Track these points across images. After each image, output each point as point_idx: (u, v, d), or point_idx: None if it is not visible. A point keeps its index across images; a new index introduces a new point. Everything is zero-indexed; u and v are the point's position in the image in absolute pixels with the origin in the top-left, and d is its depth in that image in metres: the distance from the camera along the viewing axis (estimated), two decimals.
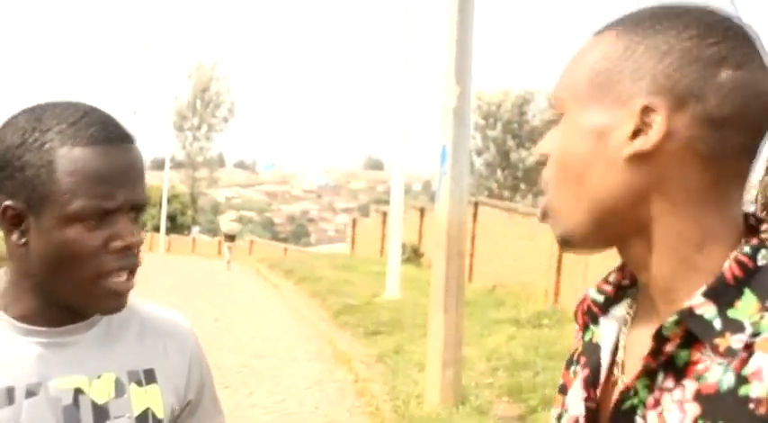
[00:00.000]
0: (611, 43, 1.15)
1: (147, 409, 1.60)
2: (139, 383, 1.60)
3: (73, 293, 1.49)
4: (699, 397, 1.08)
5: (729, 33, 1.12)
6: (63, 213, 1.44)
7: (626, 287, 1.28)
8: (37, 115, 1.47)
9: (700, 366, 1.10)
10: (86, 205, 1.44)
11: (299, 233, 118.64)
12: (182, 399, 1.67)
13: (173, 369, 1.66)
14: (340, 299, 16.47)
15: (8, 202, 1.46)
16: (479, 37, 9.02)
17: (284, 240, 75.93)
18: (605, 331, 1.27)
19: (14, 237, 1.48)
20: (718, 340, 1.08)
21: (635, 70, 1.12)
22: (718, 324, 1.09)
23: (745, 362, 1.06)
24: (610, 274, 1.29)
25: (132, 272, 1.51)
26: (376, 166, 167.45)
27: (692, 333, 1.09)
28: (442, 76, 8.49)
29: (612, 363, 1.24)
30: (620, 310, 1.28)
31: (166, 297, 17.24)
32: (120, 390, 1.57)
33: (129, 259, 1.50)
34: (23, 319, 1.52)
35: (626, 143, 1.11)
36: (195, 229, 59.56)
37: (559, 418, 1.31)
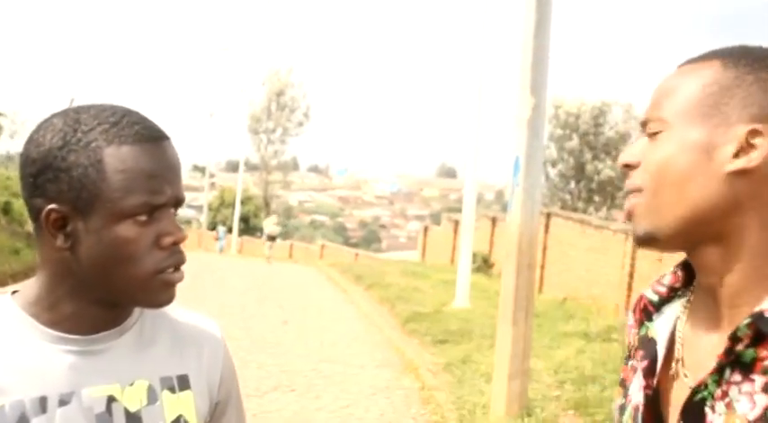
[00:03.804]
0: (720, 72, 1.31)
1: (180, 416, 1.59)
2: (172, 390, 1.60)
3: (125, 289, 1.49)
4: (767, 389, 1.23)
5: None
6: (115, 211, 1.44)
7: (677, 289, 1.46)
8: (74, 117, 1.47)
9: (767, 362, 1.24)
10: (139, 201, 1.44)
11: (370, 239, 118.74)
12: (213, 405, 1.68)
13: (206, 375, 1.66)
14: (409, 306, 16.45)
15: (52, 206, 1.44)
16: (556, 48, 8.96)
17: (355, 246, 76.02)
18: (659, 327, 1.43)
19: (59, 241, 1.46)
20: None
21: (744, 98, 1.28)
22: None
23: None
24: (664, 276, 1.48)
25: (179, 266, 1.53)
26: (449, 173, 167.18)
27: (760, 334, 1.24)
28: (516, 87, 8.46)
29: (667, 356, 1.40)
30: (674, 309, 1.44)
31: (237, 299, 17.42)
32: (152, 397, 1.57)
33: (177, 255, 1.51)
34: (56, 326, 1.51)
35: (729, 160, 1.27)
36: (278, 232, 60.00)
37: (622, 408, 1.48)
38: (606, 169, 49.58)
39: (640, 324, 1.50)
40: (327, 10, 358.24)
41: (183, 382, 1.62)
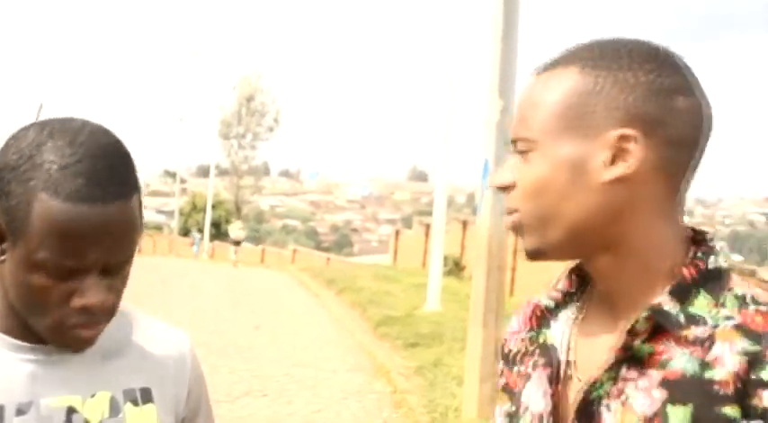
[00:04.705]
0: (578, 79, 1.28)
1: None
2: (135, 402, 1.55)
3: (36, 327, 1.45)
4: (665, 383, 1.23)
5: (678, 65, 1.29)
6: (30, 258, 1.38)
7: (572, 293, 1.45)
8: (41, 140, 1.39)
9: (663, 356, 1.25)
10: (49, 259, 1.37)
11: (342, 243, 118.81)
12: (179, 420, 1.64)
13: (171, 387, 1.62)
14: (380, 310, 16.46)
15: None
16: (526, 51, 9.00)
17: (327, 250, 76.00)
18: (557, 333, 1.42)
19: None
20: (684, 332, 1.24)
21: (608, 103, 1.25)
22: (682, 319, 1.25)
23: (707, 350, 1.22)
24: (558, 281, 1.48)
25: (96, 324, 1.46)
26: (421, 177, 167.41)
27: (657, 327, 1.25)
28: (485, 91, 8.49)
29: (566, 361, 1.39)
30: (569, 314, 1.43)
31: (209, 304, 17.36)
32: (114, 409, 1.53)
33: (91, 317, 1.43)
34: (13, 334, 1.48)
35: (604, 169, 1.25)
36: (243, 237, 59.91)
37: (511, 415, 1.46)
38: None
39: (536, 331, 1.47)
40: (298, 14, 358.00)
41: (146, 396, 1.58)
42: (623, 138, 1.24)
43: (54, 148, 1.38)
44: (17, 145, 1.40)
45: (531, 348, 1.47)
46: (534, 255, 1.34)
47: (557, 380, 1.38)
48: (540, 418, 1.38)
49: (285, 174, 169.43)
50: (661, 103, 1.25)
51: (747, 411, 1.18)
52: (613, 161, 1.25)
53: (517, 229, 1.34)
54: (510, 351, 1.52)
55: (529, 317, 1.50)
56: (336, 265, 35.45)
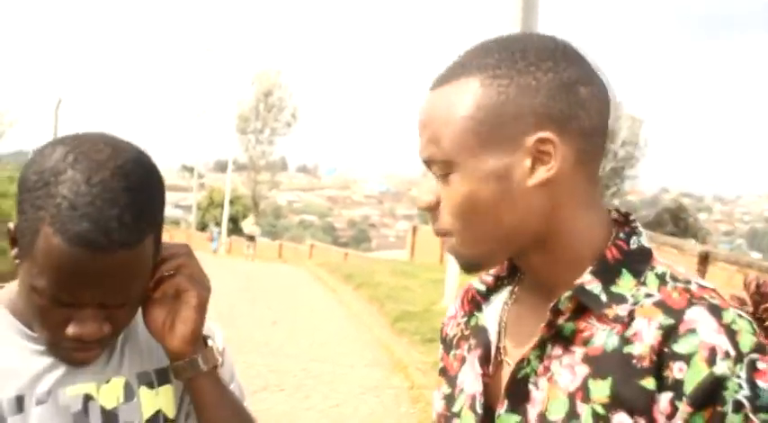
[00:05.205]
0: (482, 93, 1.27)
1: (158, 411, 1.58)
2: (151, 385, 1.58)
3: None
4: (587, 359, 1.27)
5: (573, 56, 1.29)
6: (31, 281, 1.40)
7: (504, 278, 1.48)
8: (62, 167, 1.37)
9: (586, 334, 1.29)
10: (47, 290, 1.39)
11: (359, 238, 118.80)
12: None
13: None
14: (398, 305, 16.44)
15: (10, 225, 1.45)
16: None
17: (345, 245, 76.03)
18: (489, 316, 1.46)
19: (12, 255, 1.46)
20: (606, 310, 1.29)
21: (516, 111, 1.25)
22: (604, 297, 1.29)
23: (627, 326, 1.27)
24: None
25: (90, 350, 1.48)
26: None
27: (580, 306, 1.29)
28: None
29: (497, 344, 1.43)
30: (501, 297, 1.48)
31: (225, 299, 17.38)
32: (129, 394, 1.56)
33: (85, 344, 1.46)
34: (32, 326, 1.50)
35: (528, 176, 1.26)
36: (258, 232, 60.09)
37: (448, 397, 1.49)
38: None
39: (470, 314, 1.53)
40: (315, 10, 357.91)
41: (163, 377, 1.61)
42: (540, 141, 1.25)
43: (71, 181, 1.36)
44: (41, 163, 1.40)
45: (466, 332, 1.52)
46: (470, 268, 1.37)
47: (488, 361, 1.42)
48: (473, 398, 1.42)
49: (302, 169, 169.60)
50: (566, 98, 1.26)
51: (661, 383, 1.21)
52: (534, 166, 1.26)
53: (451, 252, 1.36)
54: (447, 335, 1.58)
55: (463, 301, 1.55)
56: (354, 260, 35.43)
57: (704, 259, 12.34)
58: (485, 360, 1.43)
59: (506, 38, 1.32)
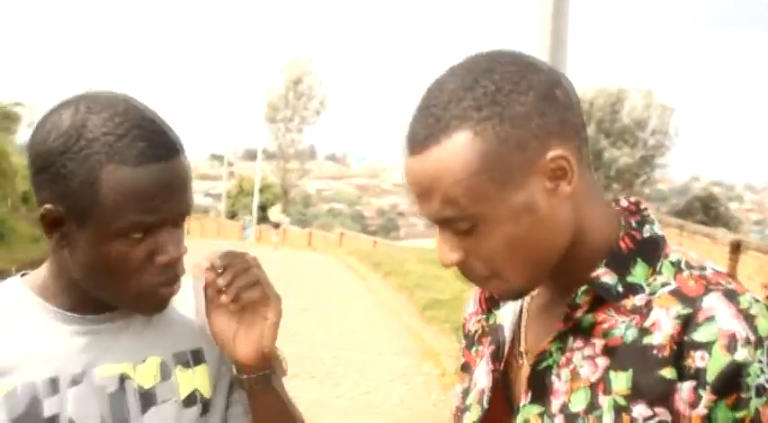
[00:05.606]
0: (479, 144, 1.24)
1: (195, 390, 1.59)
2: (186, 365, 1.59)
3: (115, 299, 1.50)
4: (607, 350, 1.29)
5: (532, 63, 1.29)
6: (107, 229, 1.42)
7: None
8: (81, 118, 1.41)
9: (605, 325, 1.31)
10: (131, 221, 1.41)
11: (388, 227, 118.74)
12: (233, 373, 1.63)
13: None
14: (427, 293, 16.47)
15: (49, 206, 1.43)
16: (573, 33, 8.92)
17: (374, 233, 76.01)
18: (506, 314, 1.49)
19: (54, 240, 1.47)
20: (623, 301, 1.30)
21: (519, 142, 1.24)
22: (620, 288, 1.31)
23: (645, 317, 1.28)
24: None
25: (173, 282, 1.50)
26: None
27: (597, 298, 1.30)
28: None
29: (514, 340, 1.45)
30: None
31: None
32: (165, 373, 1.56)
33: (172, 272, 1.49)
34: (65, 307, 1.52)
35: (551, 195, 1.27)
36: (286, 220, 60.22)
37: (466, 391, 1.53)
38: (624, 157, 49.18)
39: (488, 312, 1.55)
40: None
41: (198, 357, 1.61)
42: (551, 160, 1.26)
43: (101, 121, 1.41)
44: (56, 129, 1.41)
45: (486, 329, 1.54)
46: (522, 294, 1.38)
47: (500, 358, 1.45)
48: (482, 393, 1.45)
49: (331, 158, 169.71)
50: (553, 107, 1.26)
51: (682, 372, 1.23)
52: (553, 184, 1.27)
53: (503, 290, 1.36)
54: (469, 331, 1.60)
55: (480, 299, 1.58)
56: (383, 248, 35.50)
57: (736, 248, 12.25)
58: (496, 356, 1.46)
59: (462, 74, 1.29)
